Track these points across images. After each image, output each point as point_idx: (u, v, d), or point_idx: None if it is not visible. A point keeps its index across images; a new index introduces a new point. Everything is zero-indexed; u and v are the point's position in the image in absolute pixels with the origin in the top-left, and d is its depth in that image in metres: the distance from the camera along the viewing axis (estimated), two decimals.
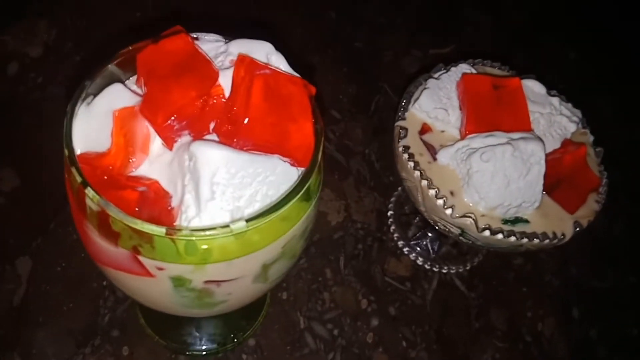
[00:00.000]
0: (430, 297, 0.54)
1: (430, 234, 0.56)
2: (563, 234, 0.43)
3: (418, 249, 0.56)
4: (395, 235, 0.57)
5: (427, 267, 0.55)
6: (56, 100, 0.61)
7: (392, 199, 0.59)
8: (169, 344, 0.47)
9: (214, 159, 0.28)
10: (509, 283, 0.57)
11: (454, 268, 0.55)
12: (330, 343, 0.49)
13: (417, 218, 0.57)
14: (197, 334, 0.47)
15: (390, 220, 0.58)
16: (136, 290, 0.32)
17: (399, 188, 0.60)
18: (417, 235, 0.57)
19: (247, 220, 0.27)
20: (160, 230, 0.26)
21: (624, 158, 0.68)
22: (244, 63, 0.30)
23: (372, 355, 0.50)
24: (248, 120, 0.30)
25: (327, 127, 0.64)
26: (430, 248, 0.56)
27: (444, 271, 0.55)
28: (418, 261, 0.55)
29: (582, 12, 0.82)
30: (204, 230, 0.26)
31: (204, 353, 0.47)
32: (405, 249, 0.56)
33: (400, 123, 0.46)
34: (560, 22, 0.81)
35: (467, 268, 0.56)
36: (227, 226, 0.27)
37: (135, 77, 0.34)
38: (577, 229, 0.43)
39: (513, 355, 0.52)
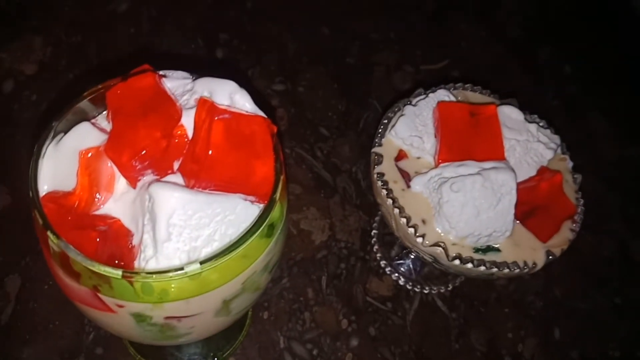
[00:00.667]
0: (411, 317, 0.55)
1: (412, 255, 0.57)
2: (534, 263, 0.43)
3: (401, 269, 0.57)
4: (379, 254, 0.57)
5: (409, 287, 0.56)
6: (50, 119, 0.62)
7: (377, 218, 0.60)
8: None
9: (171, 201, 0.29)
10: (491, 303, 0.57)
11: (435, 288, 0.56)
12: None
13: None
14: (178, 354, 0.49)
15: (374, 239, 0.58)
16: (103, 324, 0.33)
17: None
18: (400, 255, 0.57)
19: (202, 262, 0.28)
20: (116, 272, 0.27)
21: (617, 176, 0.68)
22: (204, 107, 0.31)
23: None
24: (209, 161, 0.31)
25: (316, 145, 0.65)
26: (412, 268, 0.57)
27: (426, 291, 0.56)
28: (400, 281, 0.56)
29: (576, 26, 0.82)
30: (158, 272, 0.27)
31: None
32: (388, 269, 0.57)
33: (376, 149, 0.47)
34: (555, 36, 0.80)
35: (449, 288, 0.56)
36: (181, 269, 0.28)
37: (106, 112, 0.35)
38: (550, 257, 0.44)
39: None
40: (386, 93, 0.71)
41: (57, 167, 0.31)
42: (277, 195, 0.32)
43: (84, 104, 0.34)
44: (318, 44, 0.75)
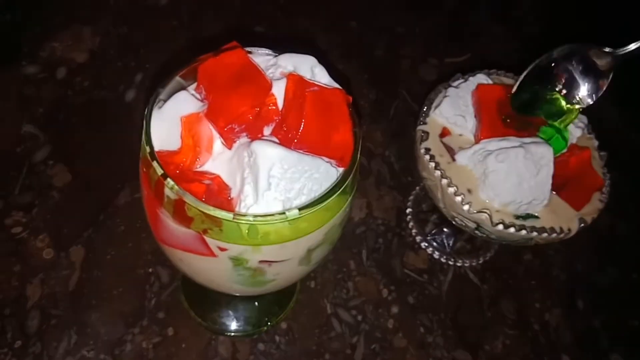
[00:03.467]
0: (445, 288, 0.59)
1: (446, 230, 0.61)
2: (569, 229, 0.47)
3: (435, 243, 0.61)
4: (414, 231, 0.61)
5: (442, 260, 0.60)
6: (101, 103, 0.66)
7: (411, 198, 0.64)
8: (210, 325, 0.51)
9: (271, 156, 0.32)
10: (519, 276, 0.61)
11: (467, 262, 0.60)
12: (354, 327, 0.54)
13: (434, 215, 0.62)
14: (235, 317, 0.52)
15: (409, 217, 0.62)
16: (198, 269, 0.36)
17: (417, 187, 0.65)
18: (434, 231, 0.61)
19: (299, 209, 0.32)
20: (228, 215, 0.31)
21: (628, 162, 0.73)
22: (295, 81, 0.35)
23: (392, 340, 0.54)
24: (298, 128, 0.35)
25: None
26: (446, 243, 0.61)
27: (459, 265, 0.60)
28: (434, 255, 0.60)
29: (591, 22, 0.87)
30: (264, 216, 0.31)
31: (241, 334, 0.52)
32: (423, 244, 0.60)
33: (422, 127, 0.51)
34: (570, 33, 0.85)
35: (480, 262, 0.60)
36: (284, 213, 0.31)
37: (194, 85, 0.39)
38: (582, 224, 0.48)
39: (522, 342, 0.56)
40: (413, 84, 0.75)
41: (161, 130, 0.35)
42: (357, 158, 0.36)
43: (179, 78, 0.38)
44: (347, 37, 0.79)
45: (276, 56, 0.38)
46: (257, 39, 0.75)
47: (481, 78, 0.52)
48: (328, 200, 0.33)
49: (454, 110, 0.50)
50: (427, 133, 0.50)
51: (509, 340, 0.56)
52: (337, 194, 0.34)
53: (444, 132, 0.51)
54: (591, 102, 0.47)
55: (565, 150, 0.50)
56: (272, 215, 0.31)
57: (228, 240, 0.32)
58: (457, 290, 0.59)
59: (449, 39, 0.81)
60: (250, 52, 0.38)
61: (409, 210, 0.63)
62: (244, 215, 0.31)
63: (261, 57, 0.38)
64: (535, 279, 0.61)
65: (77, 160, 0.60)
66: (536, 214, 0.47)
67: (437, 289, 0.58)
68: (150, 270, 0.54)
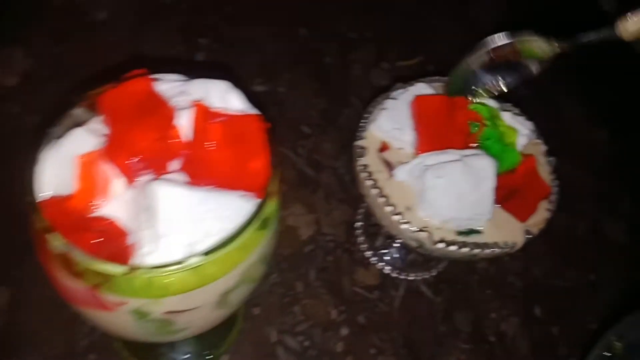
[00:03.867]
0: (397, 304, 0.56)
1: (396, 244, 0.58)
2: (514, 243, 0.45)
3: (385, 258, 0.58)
4: (363, 245, 0.59)
5: (394, 275, 0.58)
6: (32, 130, 0.62)
7: (361, 210, 0.62)
8: None
9: (170, 196, 0.30)
10: (473, 286, 0.59)
11: (420, 275, 0.58)
12: (301, 355, 0.52)
13: (384, 228, 0.60)
14: (172, 354, 0.49)
15: (359, 231, 0.60)
16: (102, 323, 0.34)
17: None
18: (385, 245, 0.59)
19: (203, 255, 0.29)
20: (119, 268, 0.28)
21: (586, 159, 0.72)
22: (201, 112, 0.32)
23: None
24: (207, 161, 0.32)
25: (297, 143, 0.67)
26: (397, 257, 0.58)
27: (411, 278, 0.58)
28: (385, 270, 0.58)
29: (546, 19, 0.85)
30: (160, 267, 0.28)
31: None
32: (373, 259, 0.58)
33: (359, 142, 0.48)
34: (525, 30, 0.83)
35: (433, 274, 0.58)
36: (182, 262, 0.29)
37: (99, 117, 0.36)
38: (528, 236, 0.46)
39: (477, 356, 0.55)
40: (364, 90, 0.72)
41: (53, 173, 0.32)
42: (274, 188, 0.33)
43: (77, 110, 0.35)
44: (296, 44, 0.76)
45: (186, 82, 0.35)
46: (187, 62, 0.72)
47: (421, 87, 0.50)
48: (238, 240, 0.31)
49: (391, 123, 0.48)
50: (365, 148, 0.48)
51: (464, 355, 0.54)
52: (250, 230, 0.31)
53: (384, 147, 0.48)
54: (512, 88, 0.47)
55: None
56: (169, 265, 0.28)
57: (123, 294, 0.29)
58: (409, 306, 0.57)
59: (402, 41, 0.79)
60: (156, 79, 0.35)
61: (358, 224, 0.61)
62: (136, 269, 0.28)
63: (170, 84, 0.35)
64: (491, 287, 0.59)
65: (1, 195, 0.57)
66: (479, 229, 0.45)
67: (389, 305, 0.56)
68: None
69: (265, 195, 0.33)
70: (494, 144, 0.47)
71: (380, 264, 0.58)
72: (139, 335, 0.33)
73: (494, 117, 0.49)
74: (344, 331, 0.54)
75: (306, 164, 0.65)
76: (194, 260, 0.29)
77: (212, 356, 0.50)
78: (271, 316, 0.53)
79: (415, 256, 0.59)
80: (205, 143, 0.33)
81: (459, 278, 0.59)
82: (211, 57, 0.72)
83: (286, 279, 0.56)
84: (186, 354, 0.49)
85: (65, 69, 0.67)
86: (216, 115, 0.34)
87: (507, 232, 0.46)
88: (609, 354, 0.47)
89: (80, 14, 0.73)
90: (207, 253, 0.29)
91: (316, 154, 0.66)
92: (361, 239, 0.60)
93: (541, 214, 0.48)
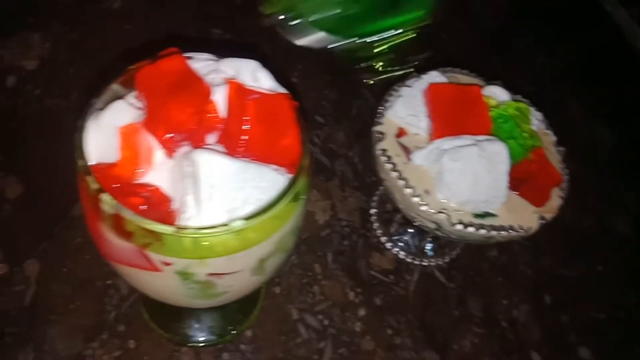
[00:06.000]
0: (412, 288, 0.58)
1: (410, 230, 0.60)
2: (529, 227, 0.47)
3: (400, 244, 0.60)
4: (379, 231, 0.61)
5: (408, 260, 0.59)
6: (53, 111, 0.64)
7: (375, 198, 0.64)
8: (172, 336, 0.50)
9: (212, 164, 0.32)
10: (485, 273, 0.61)
11: (433, 261, 0.60)
12: (321, 332, 0.53)
13: (399, 215, 0.61)
14: (198, 327, 0.51)
15: (374, 217, 0.62)
16: (146, 284, 0.35)
17: (381, 187, 0.64)
18: (399, 231, 0.61)
19: (245, 219, 0.31)
20: (168, 229, 0.30)
21: (591, 156, 0.74)
22: (235, 89, 0.34)
23: (360, 343, 0.54)
24: (243, 137, 0.34)
25: (312, 132, 0.69)
26: (411, 243, 0.60)
27: (425, 264, 0.59)
28: (400, 255, 0.60)
29: (548, 17, 0.88)
30: (206, 228, 0.30)
31: (204, 344, 0.51)
32: (388, 244, 0.60)
33: (377, 128, 0.50)
34: (528, 28, 0.86)
35: (446, 261, 0.60)
36: (226, 224, 0.30)
37: (134, 93, 0.37)
38: (542, 221, 0.48)
39: (490, 340, 0.56)
40: (375, 82, 0.74)
41: (98, 142, 0.34)
42: (305, 164, 0.35)
43: (115, 86, 0.37)
44: None
45: (217, 61, 0.37)
46: (209, 42, 0.74)
47: (435, 76, 0.52)
48: (275, 209, 0.33)
49: (407, 110, 0.50)
50: (383, 133, 0.50)
51: (477, 339, 0.56)
52: (285, 201, 0.33)
53: (401, 132, 0.50)
54: None
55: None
56: (215, 227, 0.30)
57: (171, 254, 0.31)
58: (424, 290, 0.58)
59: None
60: (190, 58, 0.37)
61: (373, 210, 0.62)
62: (185, 229, 0.30)
63: (202, 63, 0.37)
64: (502, 275, 0.61)
65: (29, 172, 0.59)
66: (495, 212, 0.47)
67: (404, 289, 0.58)
68: (108, 282, 0.53)
69: (297, 170, 0.35)
70: (505, 124, 0.48)
71: (395, 249, 0.60)
72: (181, 297, 0.35)
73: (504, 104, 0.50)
74: (362, 312, 0.55)
75: (321, 152, 0.67)
76: (237, 224, 0.31)
77: (235, 331, 0.51)
78: (292, 295, 0.55)
79: (429, 242, 0.61)
80: (242, 118, 0.35)
81: (471, 265, 0.61)
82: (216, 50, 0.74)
83: (305, 261, 0.58)
84: (212, 328, 0.51)
85: (83, 54, 0.69)
86: (249, 92, 0.35)
87: (522, 217, 0.47)
88: None
89: (95, 2, 0.75)
90: (248, 218, 0.31)
91: (330, 142, 0.68)
92: (376, 224, 0.61)
93: (554, 201, 0.49)
